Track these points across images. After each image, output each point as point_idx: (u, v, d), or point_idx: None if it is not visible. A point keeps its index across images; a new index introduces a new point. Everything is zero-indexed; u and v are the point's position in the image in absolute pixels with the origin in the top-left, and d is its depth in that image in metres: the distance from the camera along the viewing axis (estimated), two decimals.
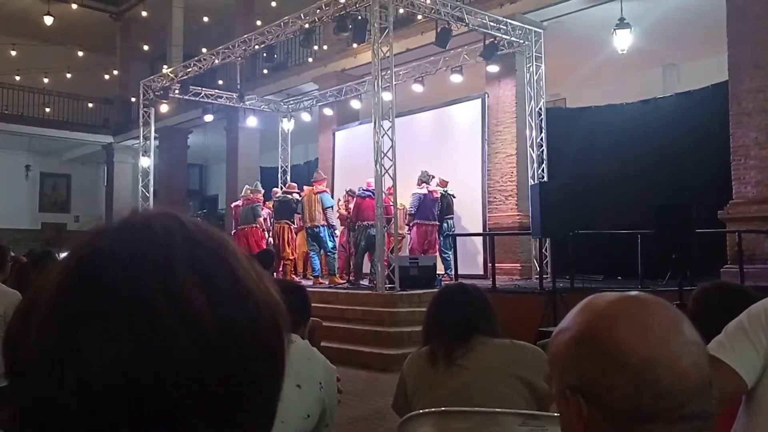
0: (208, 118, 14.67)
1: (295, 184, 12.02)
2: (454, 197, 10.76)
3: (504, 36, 10.54)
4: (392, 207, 9.47)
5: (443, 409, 1.88)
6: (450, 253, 10.32)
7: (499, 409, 1.84)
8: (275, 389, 0.51)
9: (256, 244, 11.57)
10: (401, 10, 10.58)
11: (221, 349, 0.45)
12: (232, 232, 12.40)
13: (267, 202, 12.24)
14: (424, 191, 10.36)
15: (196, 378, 0.44)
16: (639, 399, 0.79)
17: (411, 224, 10.47)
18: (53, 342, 0.44)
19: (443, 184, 10.71)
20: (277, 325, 0.51)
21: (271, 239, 11.80)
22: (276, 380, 0.51)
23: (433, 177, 10.55)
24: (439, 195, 10.49)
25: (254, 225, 11.89)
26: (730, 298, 2.00)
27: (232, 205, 13.05)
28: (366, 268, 10.39)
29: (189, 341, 0.44)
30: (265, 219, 12.01)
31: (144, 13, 18.73)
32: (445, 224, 10.52)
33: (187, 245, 0.48)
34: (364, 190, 10.12)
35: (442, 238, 10.55)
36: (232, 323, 0.47)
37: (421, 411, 1.91)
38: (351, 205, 10.65)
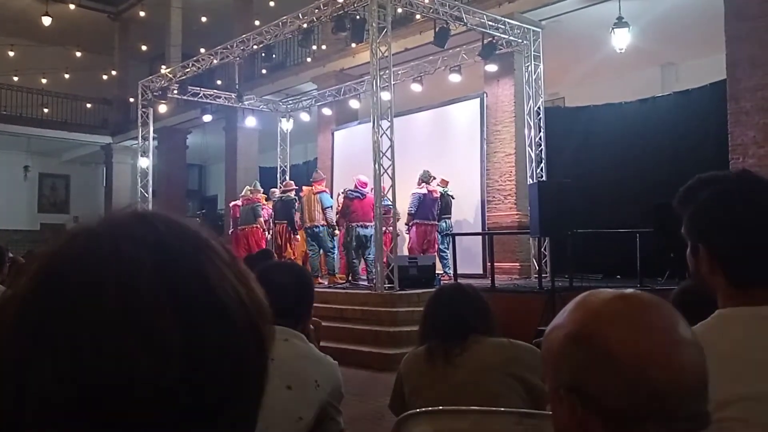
0: (207, 118, 14.66)
1: (293, 182, 12.03)
2: (453, 198, 10.73)
3: (502, 35, 10.54)
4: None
5: (439, 408, 1.88)
6: (448, 252, 10.30)
7: (495, 408, 1.84)
8: (252, 402, 0.50)
9: (256, 244, 11.59)
10: (399, 10, 10.58)
11: (187, 368, 0.44)
12: (230, 231, 12.42)
13: (267, 202, 12.25)
14: (424, 191, 10.35)
15: (158, 396, 0.43)
16: (632, 399, 0.79)
17: (410, 224, 10.46)
18: (14, 355, 0.44)
19: (444, 183, 10.69)
20: (256, 338, 0.49)
21: (270, 239, 11.81)
22: (254, 393, 0.50)
23: (434, 178, 10.54)
24: (438, 194, 10.48)
25: (255, 225, 11.90)
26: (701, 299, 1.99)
27: (231, 205, 13.06)
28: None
29: (148, 360, 0.43)
30: (266, 220, 12.02)
31: (142, 14, 18.72)
32: (443, 223, 10.51)
33: (156, 257, 0.46)
34: (350, 190, 10.13)
35: (441, 237, 10.54)
36: (201, 340, 0.45)
37: (417, 410, 1.90)
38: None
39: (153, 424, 0.43)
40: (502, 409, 1.83)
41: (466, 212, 11.42)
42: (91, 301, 0.44)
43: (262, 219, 11.91)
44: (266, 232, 12.05)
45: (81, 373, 0.42)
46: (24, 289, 0.46)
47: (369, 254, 9.97)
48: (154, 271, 0.45)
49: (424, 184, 10.38)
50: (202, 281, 0.47)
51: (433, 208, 10.40)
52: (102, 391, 0.42)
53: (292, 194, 11.54)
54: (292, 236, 11.72)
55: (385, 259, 8.93)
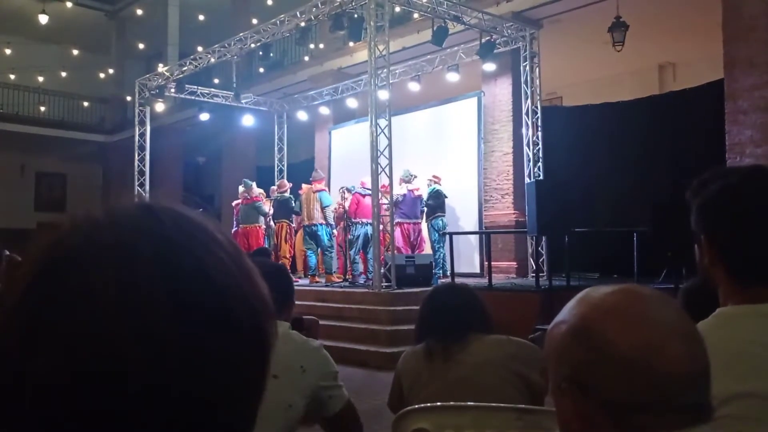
0: (204, 117, 14.62)
1: (285, 181, 12.03)
2: (445, 196, 10.58)
3: (500, 34, 10.54)
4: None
5: (438, 404, 1.88)
6: (441, 251, 10.25)
7: (494, 404, 1.84)
8: (251, 400, 0.49)
9: (256, 243, 11.59)
10: (397, 9, 10.58)
11: (182, 365, 0.44)
12: (233, 231, 12.39)
13: (267, 200, 12.27)
14: (404, 190, 10.33)
15: (150, 391, 0.43)
16: (632, 389, 0.79)
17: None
18: (13, 344, 0.44)
19: (436, 180, 10.57)
20: (258, 336, 0.49)
21: (268, 237, 11.82)
22: (253, 392, 0.49)
23: (415, 176, 10.49)
24: (419, 193, 10.43)
25: (254, 224, 11.90)
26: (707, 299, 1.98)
27: (234, 204, 13.03)
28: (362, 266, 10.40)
29: (142, 355, 0.42)
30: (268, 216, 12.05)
31: (139, 12, 18.68)
32: (439, 221, 10.38)
33: (157, 250, 0.45)
34: (361, 187, 10.19)
35: (437, 236, 10.44)
36: (200, 337, 0.45)
37: (415, 406, 1.90)
38: (347, 204, 10.67)
39: (146, 420, 0.43)
40: (502, 404, 1.83)
41: (463, 211, 11.41)
42: (87, 292, 0.43)
43: (268, 215, 11.93)
44: (266, 230, 12.05)
45: (74, 364, 0.42)
46: (25, 277, 0.46)
47: (369, 251, 10.03)
48: (153, 265, 0.44)
49: (404, 183, 10.36)
50: (203, 278, 0.46)
51: (415, 207, 10.39)
52: (94, 383, 0.42)
53: (287, 193, 11.57)
54: (293, 234, 11.74)
55: (382, 258, 8.94)
